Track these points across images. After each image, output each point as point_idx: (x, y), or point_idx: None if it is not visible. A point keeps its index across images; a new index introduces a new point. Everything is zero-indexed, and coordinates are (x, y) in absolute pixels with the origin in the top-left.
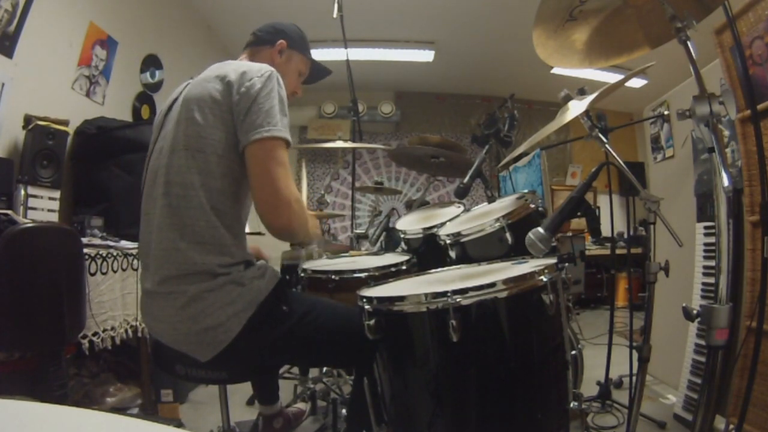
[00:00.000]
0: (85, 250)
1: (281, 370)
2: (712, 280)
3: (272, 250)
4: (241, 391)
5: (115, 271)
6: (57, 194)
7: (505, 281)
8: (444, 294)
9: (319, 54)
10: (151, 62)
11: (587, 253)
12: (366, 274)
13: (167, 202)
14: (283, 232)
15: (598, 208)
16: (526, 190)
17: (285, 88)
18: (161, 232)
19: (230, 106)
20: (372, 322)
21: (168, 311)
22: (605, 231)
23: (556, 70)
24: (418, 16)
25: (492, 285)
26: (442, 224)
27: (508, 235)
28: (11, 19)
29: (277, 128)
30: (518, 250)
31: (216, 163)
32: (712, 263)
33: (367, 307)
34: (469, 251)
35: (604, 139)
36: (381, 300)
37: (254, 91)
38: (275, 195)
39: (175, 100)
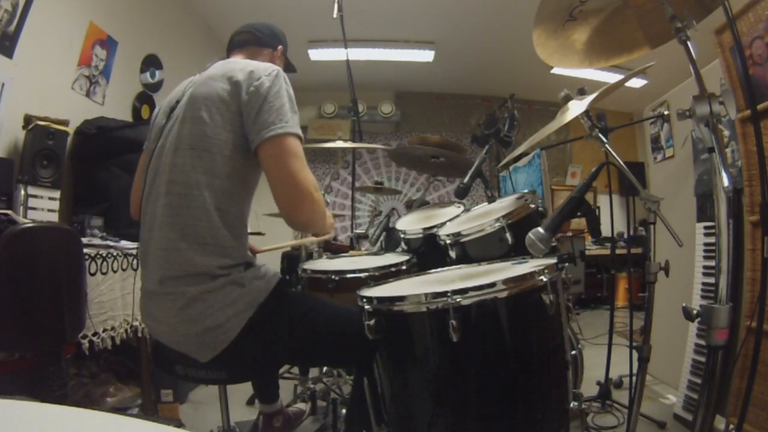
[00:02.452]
0: (85, 250)
1: (281, 370)
2: (712, 280)
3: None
4: (241, 391)
5: (115, 271)
6: (57, 194)
7: (505, 281)
8: (444, 294)
9: (319, 54)
10: (151, 62)
11: (587, 253)
12: (366, 274)
13: (168, 201)
14: (304, 225)
15: (598, 208)
16: (526, 190)
17: None
18: (162, 232)
19: (239, 106)
20: (372, 322)
21: (168, 312)
22: (605, 231)
23: (556, 70)
24: (418, 16)
25: (492, 285)
26: (442, 224)
27: (508, 235)
28: (11, 19)
29: (289, 125)
30: (518, 250)
31: (222, 164)
32: (712, 263)
33: (367, 307)
34: (469, 251)
35: (604, 139)
36: (381, 300)
37: (264, 90)
38: (296, 189)
39: (179, 99)
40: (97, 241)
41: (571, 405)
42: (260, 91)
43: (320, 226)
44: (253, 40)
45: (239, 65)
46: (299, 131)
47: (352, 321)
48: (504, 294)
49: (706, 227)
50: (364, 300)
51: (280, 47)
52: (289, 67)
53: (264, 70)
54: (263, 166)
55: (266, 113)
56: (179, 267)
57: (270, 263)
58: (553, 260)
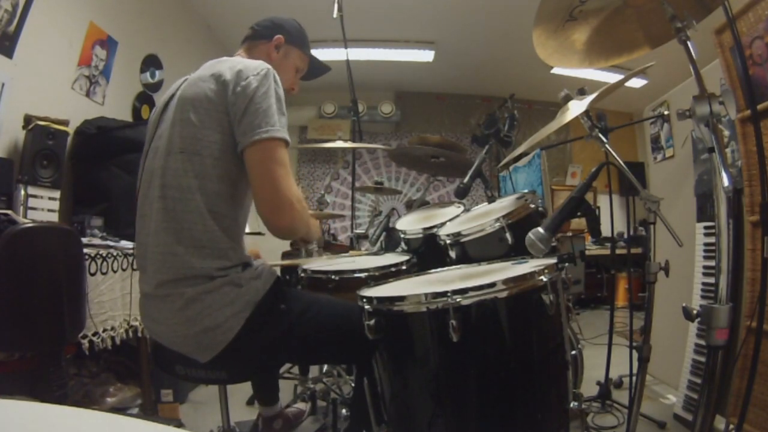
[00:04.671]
0: (85, 250)
1: (281, 370)
2: (712, 280)
3: (271, 251)
4: (241, 391)
5: (115, 271)
6: (57, 194)
7: (505, 281)
8: (444, 294)
9: (319, 54)
10: (151, 62)
11: (587, 253)
12: (366, 274)
13: (163, 205)
14: (285, 233)
15: (598, 208)
16: (526, 190)
17: (283, 84)
18: (158, 236)
19: (226, 106)
20: (372, 322)
21: (166, 313)
22: (605, 231)
23: (556, 70)
24: (418, 16)
25: (492, 285)
26: (442, 224)
27: (508, 235)
28: (11, 19)
29: (275, 128)
30: (518, 250)
31: (212, 166)
32: (712, 263)
33: (367, 307)
34: (469, 251)
35: (604, 139)
36: (381, 300)
37: (250, 91)
38: (276, 197)
39: (170, 99)
40: (97, 241)
41: (571, 405)
42: (247, 92)
43: (303, 233)
44: (251, 35)
45: (228, 64)
46: (286, 135)
47: (352, 317)
48: (504, 294)
49: (706, 227)
50: (364, 300)
51: (277, 36)
52: (316, 66)
53: (253, 69)
54: (247, 169)
55: (252, 115)
56: (176, 271)
57: (270, 263)
58: (553, 260)
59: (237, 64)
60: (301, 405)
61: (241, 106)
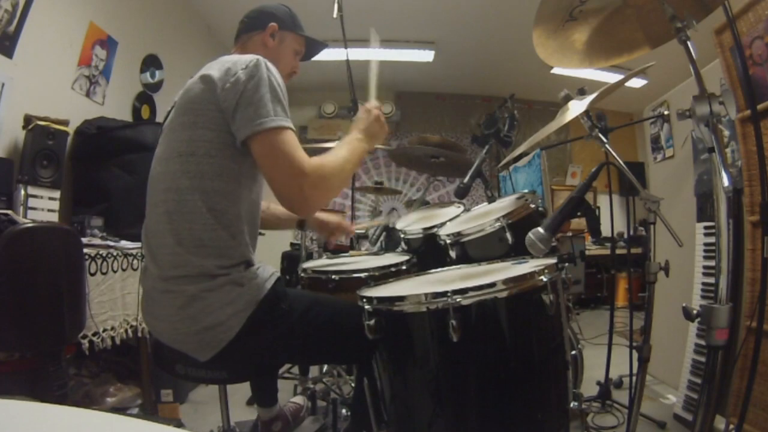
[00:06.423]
0: (85, 250)
1: (281, 370)
2: (712, 280)
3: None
4: (241, 391)
5: (115, 271)
6: (57, 194)
7: (505, 281)
8: (444, 294)
9: (319, 54)
10: (151, 62)
11: (587, 253)
12: (366, 274)
13: (165, 209)
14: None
15: (598, 208)
16: (526, 190)
17: (284, 69)
18: (161, 238)
19: (216, 104)
20: (372, 322)
21: (168, 310)
22: (605, 231)
23: (556, 70)
24: (418, 16)
25: (492, 285)
26: (442, 224)
27: (508, 235)
28: (11, 19)
29: (270, 118)
30: (518, 250)
31: (208, 164)
32: (712, 263)
33: (367, 307)
34: (469, 251)
35: (604, 139)
36: (381, 300)
37: (240, 85)
38: (287, 189)
39: (173, 106)
40: (97, 241)
41: (571, 405)
42: (237, 87)
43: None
44: (242, 29)
45: (218, 63)
46: (282, 122)
47: (353, 318)
48: (504, 294)
49: (706, 227)
50: (365, 300)
51: (271, 24)
52: (313, 44)
53: (242, 63)
54: (256, 163)
55: (245, 108)
56: (178, 268)
57: (270, 263)
58: (553, 260)
59: (227, 62)
60: (298, 399)
61: (232, 102)
